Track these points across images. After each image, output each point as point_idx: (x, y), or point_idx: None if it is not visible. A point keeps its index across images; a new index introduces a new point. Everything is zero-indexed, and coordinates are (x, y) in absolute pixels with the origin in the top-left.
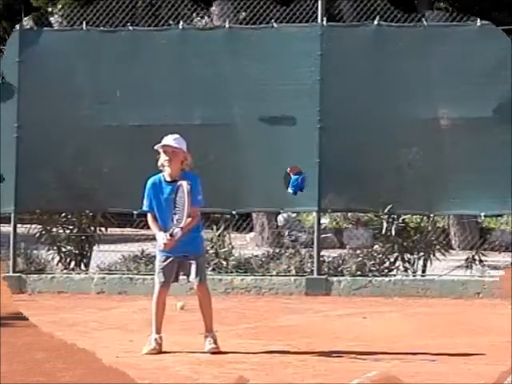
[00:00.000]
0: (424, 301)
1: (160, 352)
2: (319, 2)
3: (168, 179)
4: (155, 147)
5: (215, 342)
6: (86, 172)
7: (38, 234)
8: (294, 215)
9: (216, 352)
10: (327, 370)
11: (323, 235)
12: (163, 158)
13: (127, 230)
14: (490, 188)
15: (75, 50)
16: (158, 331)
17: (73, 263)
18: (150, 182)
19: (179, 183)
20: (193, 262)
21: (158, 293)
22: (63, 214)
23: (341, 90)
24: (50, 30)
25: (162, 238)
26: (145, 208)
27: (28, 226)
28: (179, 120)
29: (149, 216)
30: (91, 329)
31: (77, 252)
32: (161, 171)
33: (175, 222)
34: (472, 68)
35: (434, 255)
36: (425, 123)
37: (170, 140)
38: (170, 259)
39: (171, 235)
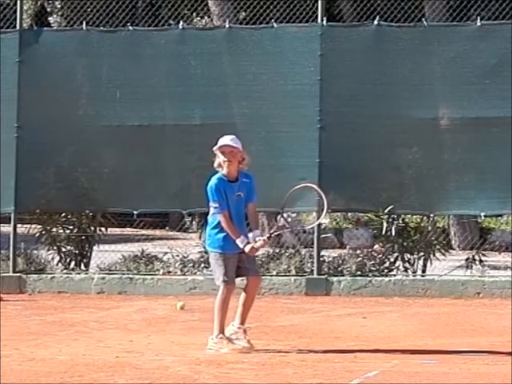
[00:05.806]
0: (424, 301)
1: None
2: (319, 2)
3: (228, 179)
4: (213, 149)
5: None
6: (85, 172)
7: (37, 234)
8: (294, 215)
9: (252, 347)
10: (327, 370)
11: (323, 235)
12: (222, 159)
13: (127, 230)
14: (490, 188)
15: (75, 50)
16: (223, 330)
17: (73, 263)
18: (216, 181)
19: (304, 185)
20: (250, 256)
21: (226, 292)
22: (63, 214)
23: (341, 89)
24: (49, 30)
25: (241, 242)
26: (221, 209)
27: (28, 225)
28: (179, 120)
29: (224, 216)
30: (91, 329)
31: (77, 252)
32: (216, 172)
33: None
34: (472, 68)
35: (434, 255)
36: (425, 123)
37: (227, 140)
38: (233, 257)
39: (269, 238)
